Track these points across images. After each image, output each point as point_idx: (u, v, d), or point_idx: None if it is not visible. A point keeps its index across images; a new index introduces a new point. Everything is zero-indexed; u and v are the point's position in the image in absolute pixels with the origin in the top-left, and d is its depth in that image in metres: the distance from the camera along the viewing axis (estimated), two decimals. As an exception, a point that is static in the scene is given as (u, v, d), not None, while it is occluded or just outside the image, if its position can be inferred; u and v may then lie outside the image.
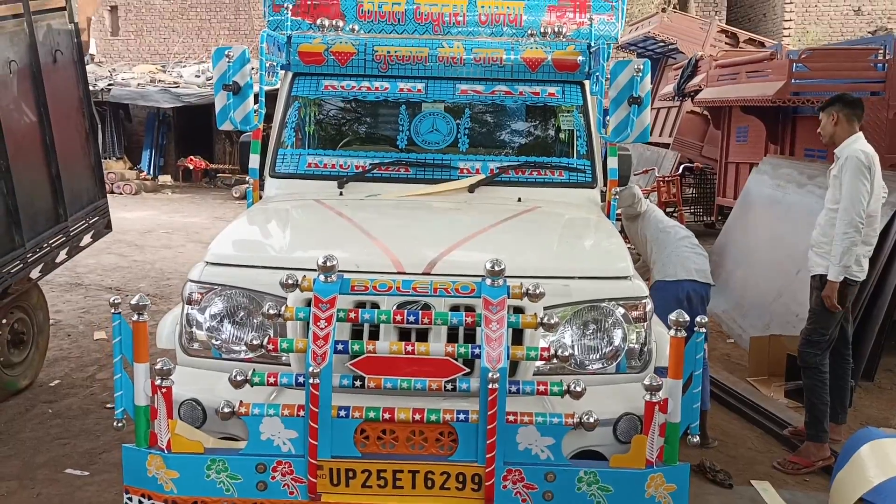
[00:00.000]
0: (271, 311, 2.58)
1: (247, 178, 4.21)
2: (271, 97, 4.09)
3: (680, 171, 11.48)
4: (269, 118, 4.21)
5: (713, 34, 13.86)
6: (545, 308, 2.74)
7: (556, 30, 4.26)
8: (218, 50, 3.85)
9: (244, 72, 3.83)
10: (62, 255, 5.62)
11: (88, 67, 22.30)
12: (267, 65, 4.04)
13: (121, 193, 18.44)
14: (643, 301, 2.92)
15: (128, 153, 21.28)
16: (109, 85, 18.71)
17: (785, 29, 18.01)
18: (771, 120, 8.37)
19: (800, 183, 7.26)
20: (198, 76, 20.35)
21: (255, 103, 3.92)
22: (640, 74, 3.78)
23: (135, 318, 2.54)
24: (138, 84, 18.75)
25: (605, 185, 4.24)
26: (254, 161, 4.20)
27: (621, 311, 2.90)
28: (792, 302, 6.32)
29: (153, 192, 19.34)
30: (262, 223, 3.66)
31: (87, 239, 5.95)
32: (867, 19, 18.04)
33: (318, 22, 4.29)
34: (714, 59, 10.24)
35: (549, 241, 3.29)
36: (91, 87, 18.11)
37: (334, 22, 4.28)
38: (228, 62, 3.79)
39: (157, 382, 2.48)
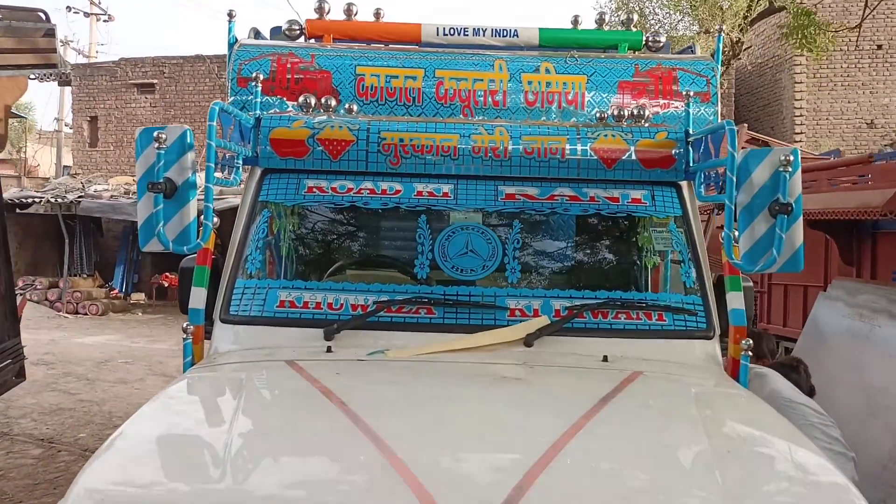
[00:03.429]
0: None
1: (185, 327, 2.75)
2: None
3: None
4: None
5: (742, 141, 12.95)
6: None
7: (636, 112, 3.03)
8: (145, 131, 2.46)
9: (183, 164, 2.44)
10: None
11: (61, 179, 21.24)
12: (220, 155, 2.69)
13: (86, 314, 16.90)
14: None
15: (100, 270, 19.88)
16: (80, 197, 17.48)
17: (796, 142, 17.22)
18: (844, 236, 7.07)
19: (892, 314, 5.92)
20: (177, 187, 19.22)
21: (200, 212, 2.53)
22: (791, 170, 2.46)
23: None
24: (111, 196, 17.55)
25: (722, 332, 2.86)
26: (198, 297, 2.78)
27: None
28: (914, 472, 4.85)
29: (122, 311, 17.77)
30: (190, 413, 2.19)
31: (-15, 393, 4.46)
32: (881, 132, 17.33)
33: (301, 100, 3.02)
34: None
35: (697, 454, 1.86)
36: (60, 200, 17.17)
37: (324, 100, 3.02)
38: (159, 149, 2.40)
39: None
